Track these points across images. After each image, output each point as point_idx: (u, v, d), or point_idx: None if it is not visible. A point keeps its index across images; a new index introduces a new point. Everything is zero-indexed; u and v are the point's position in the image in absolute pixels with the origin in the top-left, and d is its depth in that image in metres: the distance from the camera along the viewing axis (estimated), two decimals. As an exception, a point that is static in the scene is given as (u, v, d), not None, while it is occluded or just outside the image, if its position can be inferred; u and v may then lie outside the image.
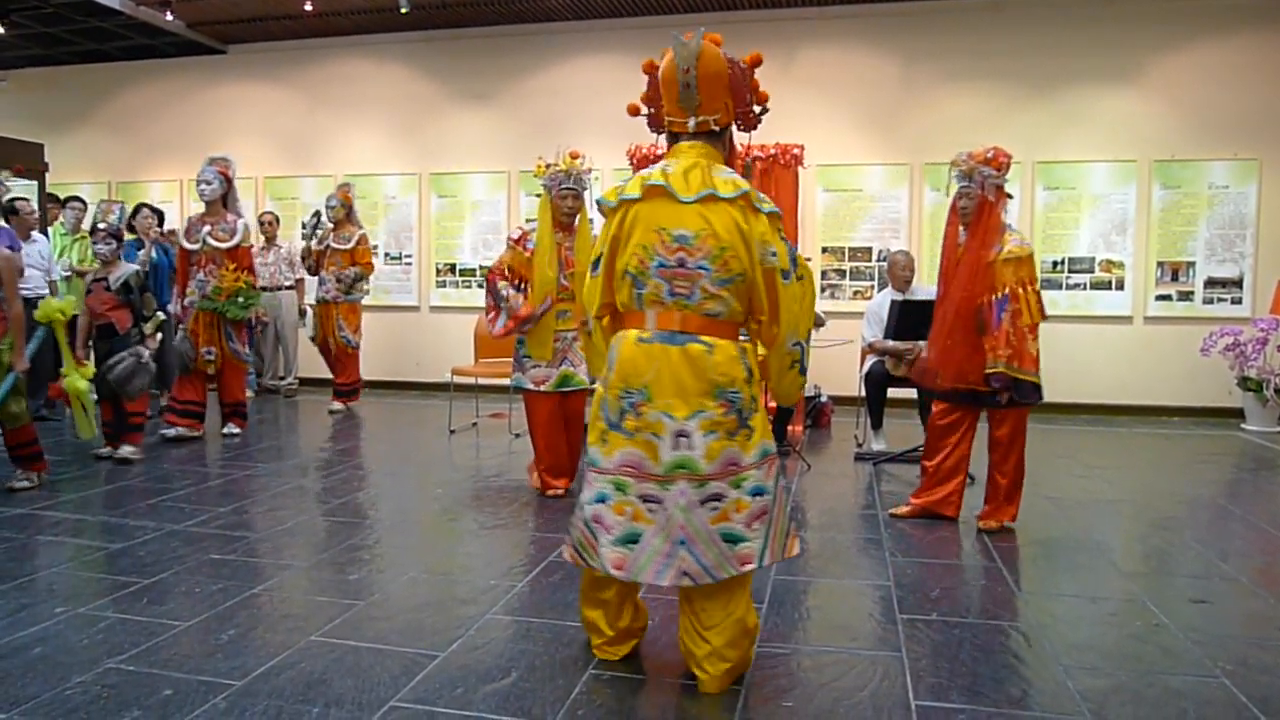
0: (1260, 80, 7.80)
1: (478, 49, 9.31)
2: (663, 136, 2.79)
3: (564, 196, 4.76)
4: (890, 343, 6.10)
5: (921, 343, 5.74)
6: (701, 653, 2.60)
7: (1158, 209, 8.02)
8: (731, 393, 2.53)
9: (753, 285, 2.55)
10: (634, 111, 2.83)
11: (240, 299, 6.64)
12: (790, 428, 6.60)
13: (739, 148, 2.84)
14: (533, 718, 2.44)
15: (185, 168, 10.18)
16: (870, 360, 6.46)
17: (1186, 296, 8.02)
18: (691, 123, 2.62)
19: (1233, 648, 2.94)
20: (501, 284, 4.86)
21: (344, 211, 8.02)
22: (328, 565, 3.75)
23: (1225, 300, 7.95)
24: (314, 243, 8.11)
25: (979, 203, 4.20)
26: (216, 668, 2.72)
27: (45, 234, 7.71)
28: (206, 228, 6.60)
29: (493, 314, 4.91)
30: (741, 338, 2.67)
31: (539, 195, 4.92)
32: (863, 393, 6.45)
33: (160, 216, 7.85)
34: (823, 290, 8.57)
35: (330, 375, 8.29)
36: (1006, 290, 4.13)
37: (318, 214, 8.18)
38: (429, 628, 3.06)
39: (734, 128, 2.75)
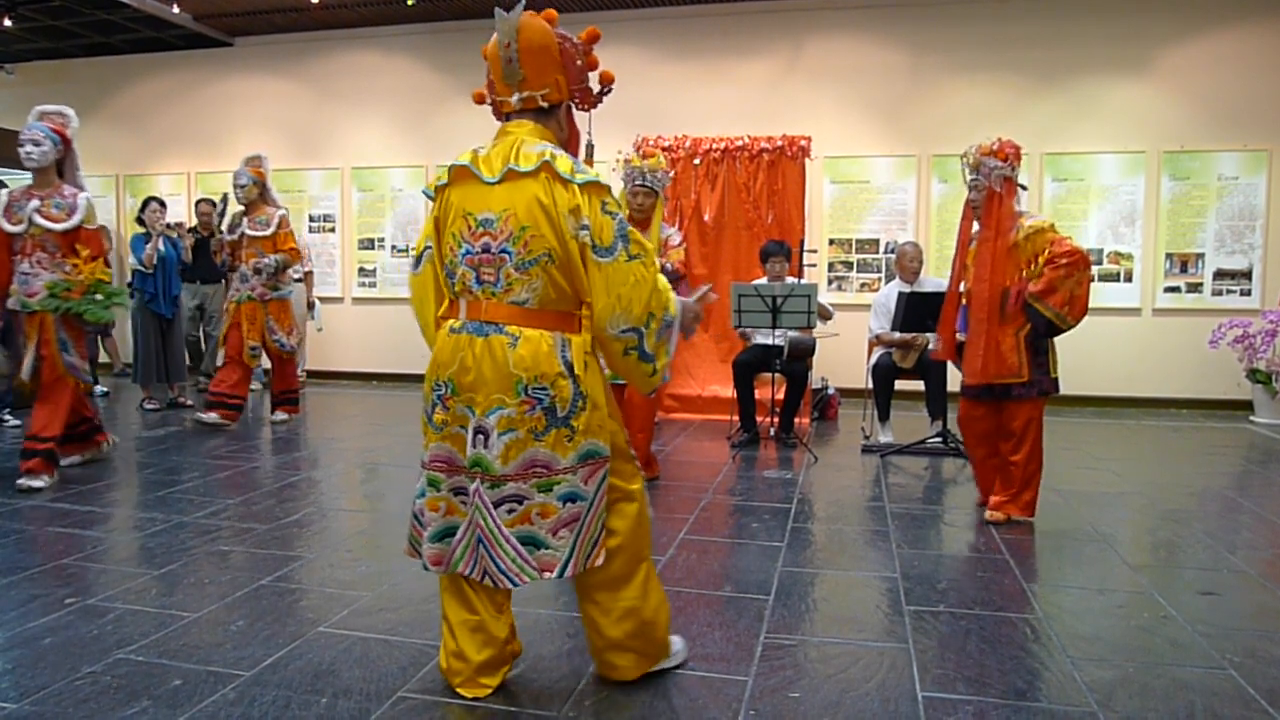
0: (1270, 71, 7.76)
1: (484, 41, 9.18)
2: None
3: (636, 194, 4.74)
4: (897, 335, 6.10)
5: (928, 335, 5.74)
6: (600, 644, 2.55)
7: (1167, 200, 7.99)
8: (538, 389, 2.32)
9: (567, 265, 2.33)
10: (479, 99, 2.60)
11: (99, 296, 5.05)
12: (797, 420, 6.59)
13: (580, 129, 2.63)
14: (539, 707, 2.45)
15: (192, 161, 10.23)
16: (877, 352, 6.45)
17: (1195, 288, 7.99)
18: (515, 98, 2.43)
19: (1241, 640, 2.94)
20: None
21: (257, 190, 6.89)
22: (336, 557, 3.76)
23: (1234, 292, 7.92)
24: (223, 229, 7.18)
25: (987, 195, 4.21)
26: (225, 658, 2.74)
27: None
28: (34, 202, 4.92)
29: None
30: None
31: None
32: (870, 385, 6.44)
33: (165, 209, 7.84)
34: (830, 282, 8.56)
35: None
36: (1040, 260, 4.15)
37: (226, 197, 7.11)
38: (437, 619, 3.05)
39: (571, 107, 2.55)
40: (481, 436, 2.36)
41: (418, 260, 2.57)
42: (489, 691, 2.51)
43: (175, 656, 2.74)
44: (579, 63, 2.48)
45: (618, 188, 4.91)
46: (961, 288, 4.46)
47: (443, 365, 2.44)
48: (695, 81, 8.71)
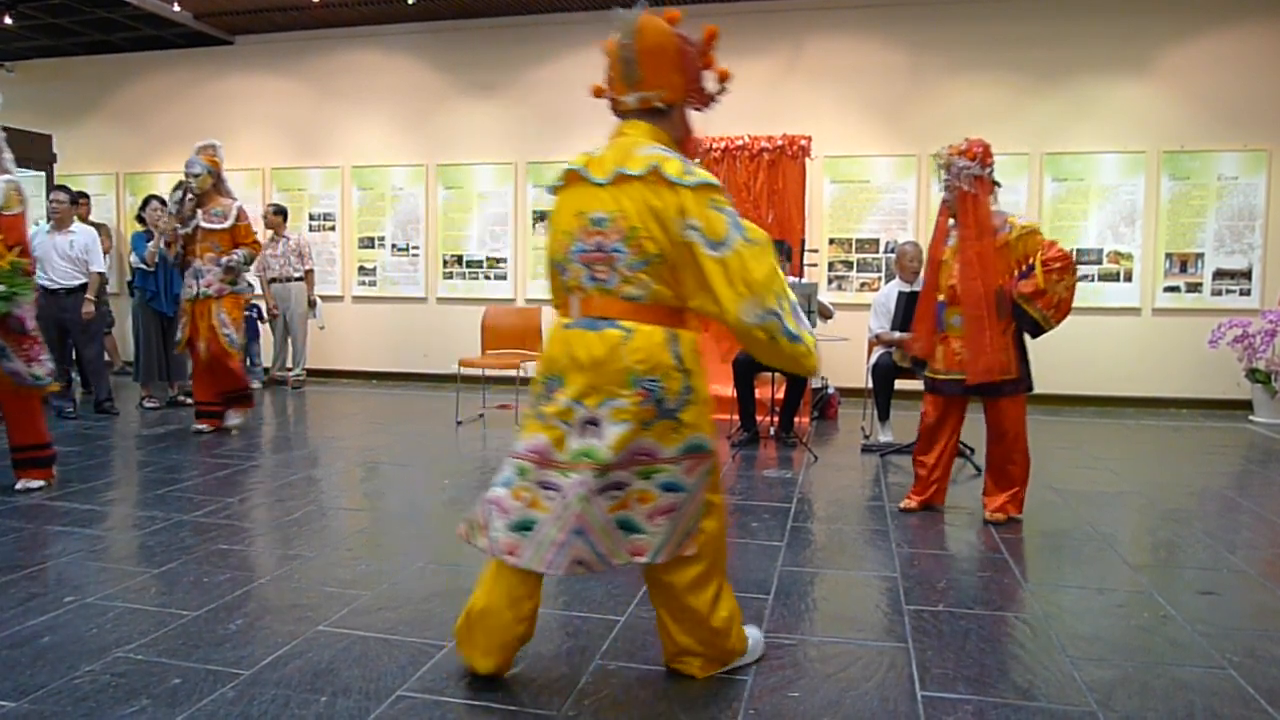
0: (1270, 71, 7.76)
1: (485, 40, 9.31)
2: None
3: None
4: (897, 334, 6.09)
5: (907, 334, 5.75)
6: (670, 648, 2.62)
7: (1166, 200, 7.99)
8: (650, 381, 2.36)
9: (677, 266, 2.37)
10: (597, 93, 2.61)
11: (1, 286, 4.50)
12: (797, 419, 6.59)
13: (695, 129, 2.64)
14: (539, 707, 2.45)
15: (193, 159, 10.21)
16: (877, 352, 6.44)
17: (1195, 288, 7.99)
18: (632, 98, 2.46)
19: (1240, 639, 2.94)
20: None
21: (212, 180, 6.48)
22: (335, 555, 3.76)
23: (1234, 292, 7.92)
24: (176, 222, 6.55)
25: (959, 195, 4.25)
26: (225, 657, 2.73)
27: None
28: None
29: None
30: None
31: (547, 186, 4.89)
32: (870, 384, 6.44)
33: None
34: (830, 282, 8.55)
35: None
36: (1030, 262, 4.23)
37: (182, 186, 6.57)
38: (436, 618, 3.06)
39: (686, 107, 2.56)
40: (593, 427, 2.38)
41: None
42: (502, 670, 2.56)
43: (174, 655, 2.74)
44: (697, 63, 2.49)
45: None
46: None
47: (555, 359, 2.48)
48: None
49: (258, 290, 9.02)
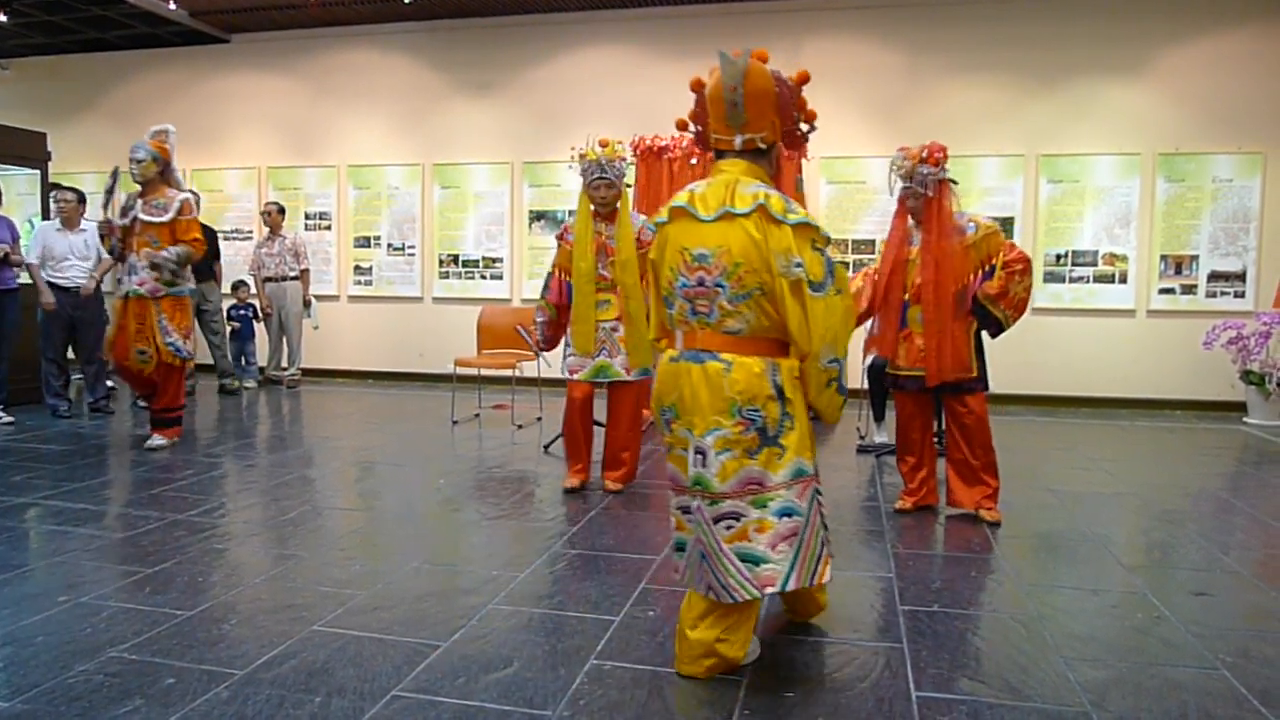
0: (1265, 74, 7.77)
1: (481, 39, 9.30)
2: (693, 137, 2.79)
3: (597, 187, 4.72)
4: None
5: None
6: (682, 645, 2.67)
7: (1161, 202, 8.01)
8: (751, 410, 2.51)
9: (775, 299, 2.49)
10: (682, 126, 2.82)
11: None
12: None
13: (784, 166, 2.84)
14: (534, 708, 2.45)
15: (188, 158, 10.18)
16: (872, 353, 6.44)
17: (1189, 290, 8.01)
18: (738, 140, 2.61)
19: (1234, 640, 2.95)
20: (541, 303, 5.06)
21: (157, 168, 5.81)
22: (330, 555, 3.75)
23: (1228, 294, 7.94)
24: (112, 211, 5.93)
25: (924, 201, 4.30)
26: (219, 656, 2.73)
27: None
28: None
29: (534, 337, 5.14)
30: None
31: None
32: (865, 385, 6.44)
33: None
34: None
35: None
36: (992, 263, 4.33)
37: (116, 172, 6.02)
38: (431, 618, 3.06)
39: (779, 145, 2.71)
40: (700, 456, 2.56)
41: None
42: (694, 671, 2.63)
43: (168, 655, 2.74)
44: (791, 105, 2.65)
45: (577, 184, 4.91)
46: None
47: (665, 393, 2.66)
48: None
49: (253, 289, 9.04)
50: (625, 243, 4.67)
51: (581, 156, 4.75)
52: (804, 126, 2.72)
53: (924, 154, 4.25)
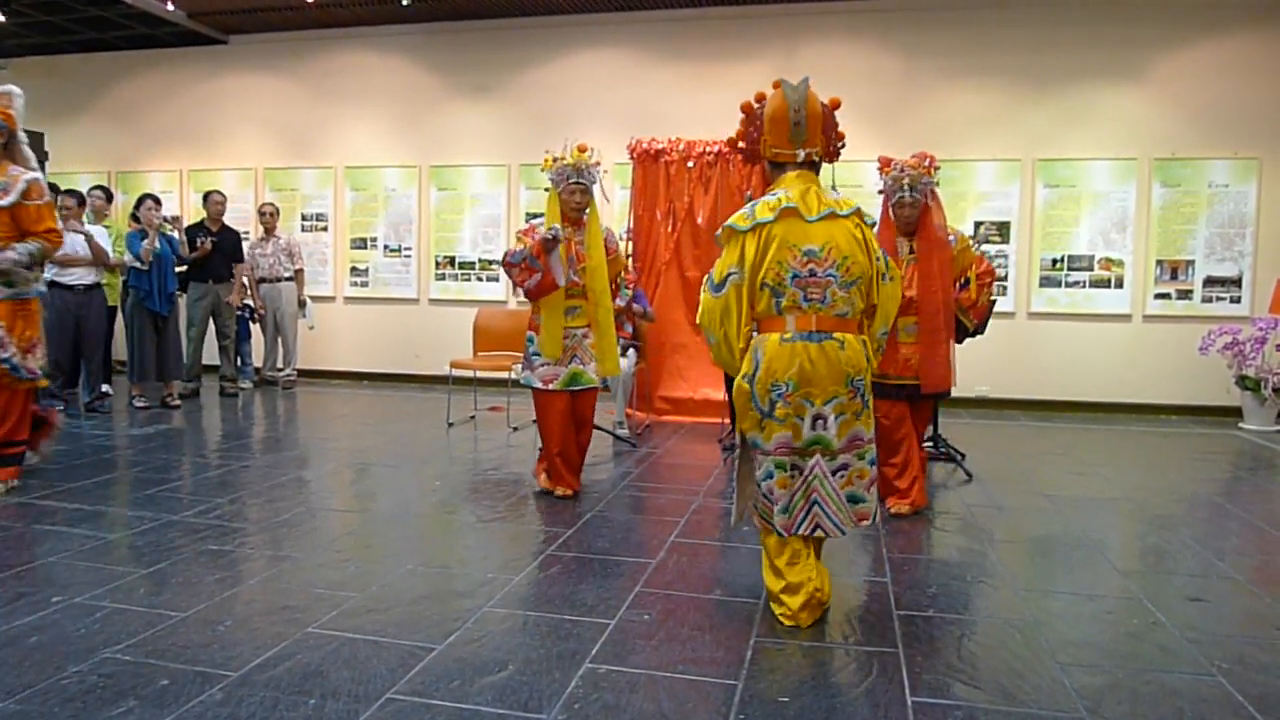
0: (1261, 79, 7.79)
1: (479, 41, 9.30)
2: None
3: (572, 192, 4.68)
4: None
5: None
6: (803, 595, 3.09)
7: (1157, 207, 8.02)
8: (858, 380, 3.05)
9: (869, 286, 3.08)
10: (731, 145, 3.26)
11: None
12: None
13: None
14: (529, 711, 2.44)
15: (186, 158, 10.19)
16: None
17: (1185, 295, 8.02)
18: (801, 155, 3.10)
19: (1229, 646, 2.95)
20: (520, 241, 4.71)
21: (1, 140, 4.75)
22: (325, 557, 3.75)
23: (1224, 299, 7.95)
24: None
25: (923, 209, 4.40)
26: (213, 658, 2.72)
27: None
28: None
29: (523, 276, 4.63)
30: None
31: (546, 190, 4.85)
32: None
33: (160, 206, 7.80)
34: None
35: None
36: (966, 276, 4.64)
37: None
38: (426, 620, 3.06)
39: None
40: (821, 420, 3.02)
41: (721, 285, 3.09)
42: (810, 622, 3.05)
43: (163, 656, 2.73)
44: (832, 126, 3.16)
45: (544, 190, 4.86)
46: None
47: (781, 369, 3.01)
48: (689, 84, 8.72)
49: (248, 289, 9.03)
50: (595, 249, 4.67)
51: (556, 160, 4.71)
52: (838, 144, 3.22)
53: (924, 163, 4.37)
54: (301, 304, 9.11)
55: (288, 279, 8.96)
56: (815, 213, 3.01)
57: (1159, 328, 8.05)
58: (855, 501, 3.11)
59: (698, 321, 3.24)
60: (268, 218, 8.89)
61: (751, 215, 3.04)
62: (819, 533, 3.06)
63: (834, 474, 3.05)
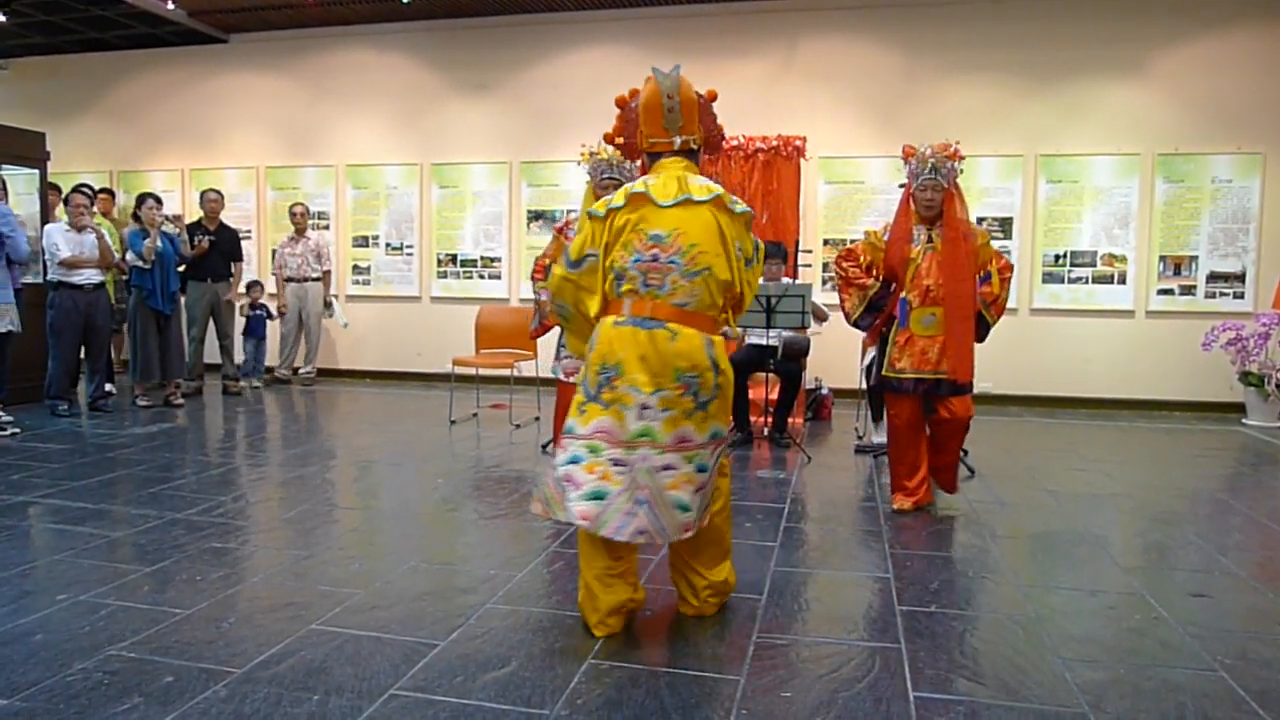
0: (1265, 74, 7.78)
1: (480, 39, 9.30)
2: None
3: (605, 186, 4.71)
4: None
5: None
6: (694, 605, 3.09)
7: (1160, 203, 8.01)
8: (690, 377, 2.84)
9: (720, 278, 2.90)
10: (609, 140, 3.19)
11: None
12: (791, 420, 6.59)
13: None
14: (532, 706, 2.45)
15: (187, 157, 10.20)
16: (871, 352, 6.45)
17: (1189, 291, 8.01)
18: (677, 141, 3.01)
19: (1232, 642, 2.95)
20: (539, 286, 4.96)
21: None
22: (328, 554, 3.75)
23: (1227, 295, 7.94)
24: None
25: (946, 195, 4.36)
26: (217, 655, 2.73)
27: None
28: None
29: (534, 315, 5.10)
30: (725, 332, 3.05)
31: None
32: (863, 385, 6.44)
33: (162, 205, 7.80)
34: (824, 283, 8.55)
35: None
36: (987, 270, 4.56)
37: None
38: (429, 617, 3.06)
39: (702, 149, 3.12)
40: (648, 410, 2.82)
41: (579, 262, 3.00)
42: (614, 630, 2.92)
43: (167, 653, 2.74)
44: (710, 116, 3.10)
45: (583, 180, 4.91)
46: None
47: (611, 353, 2.87)
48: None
49: (269, 289, 9.08)
50: None
51: (592, 155, 4.76)
52: (719, 135, 3.15)
53: (952, 149, 4.37)
54: (327, 304, 9.20)
55: (315, 279, 9.07)
56: (670, 199, 2.87)
57: (1162, 324, 8.04)
58: (682, 509, 2.84)
59: (549, 288, 3.19)
60: (298, 218, 8.99)
61: (608, 201, 2.98)
62: (642, 538, 2.79)
63: (660, 470, 2.81)
